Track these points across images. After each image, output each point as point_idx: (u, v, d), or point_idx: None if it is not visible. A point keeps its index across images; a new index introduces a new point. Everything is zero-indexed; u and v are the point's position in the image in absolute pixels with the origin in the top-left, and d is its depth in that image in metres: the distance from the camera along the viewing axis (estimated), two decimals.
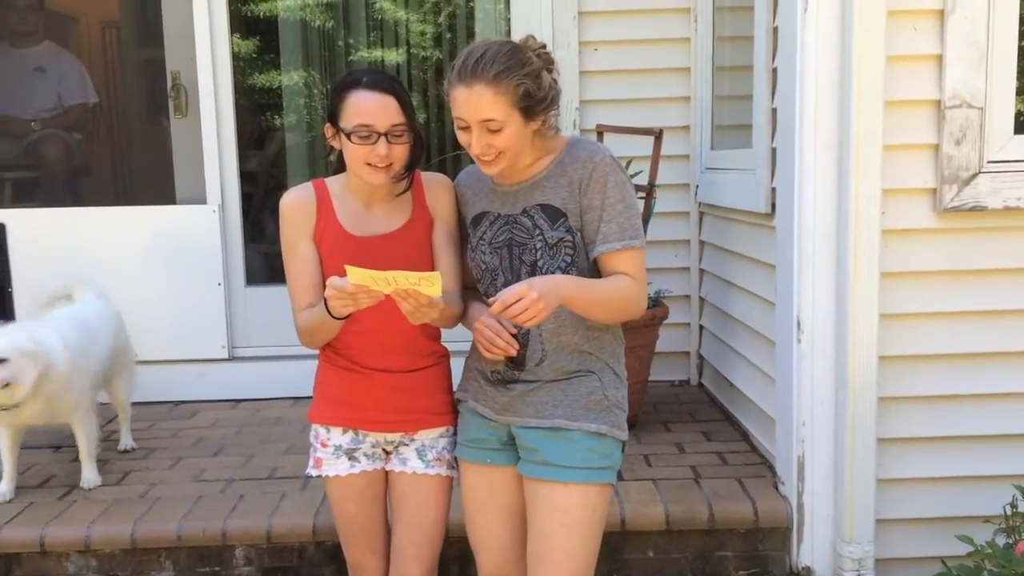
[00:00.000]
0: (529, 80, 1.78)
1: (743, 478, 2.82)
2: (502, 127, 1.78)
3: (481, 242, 1.93)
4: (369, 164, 1.90)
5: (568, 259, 1.85)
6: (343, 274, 1.72)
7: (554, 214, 1.85)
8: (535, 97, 1.79)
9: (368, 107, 1.88)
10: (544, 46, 1.86)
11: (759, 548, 2.64)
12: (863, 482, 2.50)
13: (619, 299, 1.84)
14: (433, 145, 4.11)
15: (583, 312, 1.82)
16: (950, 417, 2.56)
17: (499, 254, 1.90)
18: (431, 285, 1.70)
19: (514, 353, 1.86)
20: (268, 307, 3.87)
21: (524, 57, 1.79)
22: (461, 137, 1.83)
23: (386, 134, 1.88)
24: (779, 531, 2.63)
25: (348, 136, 1.89)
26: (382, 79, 1.92)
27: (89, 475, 2.92)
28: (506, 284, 1.88)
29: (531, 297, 1.67)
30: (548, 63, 1.85)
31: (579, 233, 1.85)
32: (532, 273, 1.86)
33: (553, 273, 1.84)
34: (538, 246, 1.85)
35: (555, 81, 1.85)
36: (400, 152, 1.91)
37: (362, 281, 1.70)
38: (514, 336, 1.85)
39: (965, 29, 2.41)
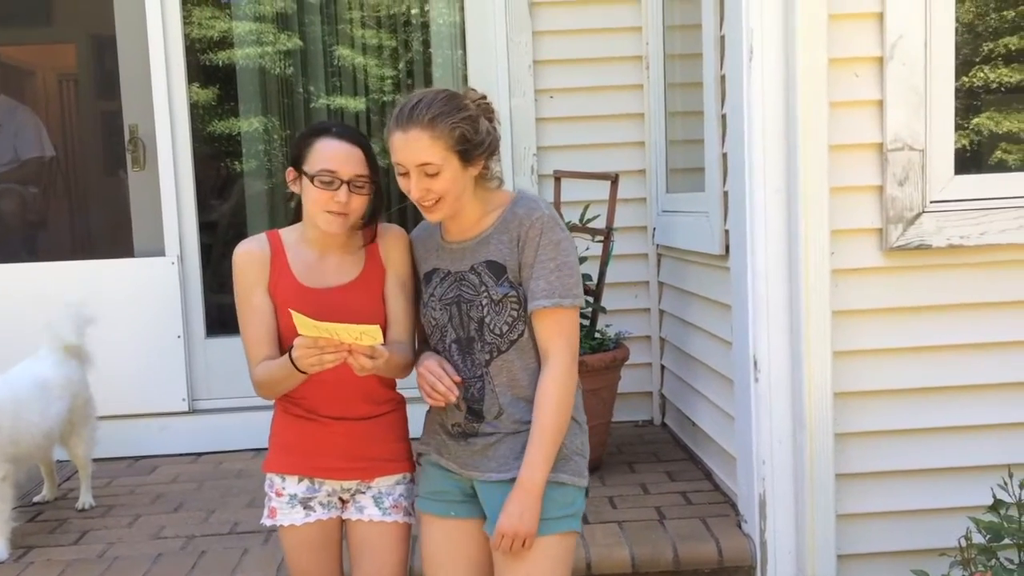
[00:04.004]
0: (465, 124, 1.81)
1: (707, 517, 2.84)
2: (439, 171, 1.81)
3: (432, 299, 1.95)
4: (328, 211, 1.92)
5: (515, 313, 1.87)
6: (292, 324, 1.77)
7: (498, 270, 1.88)
8: (472, 141, 1.82)
9: (335, 154, 1.91)
10: (484, 97, 1.89)
11: None
12: (823, 518, 2.53)
13: (560, 407, 1.84)
14: (394, 193, 4.14)
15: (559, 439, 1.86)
16: (904, 451, 2.60)
17: (448, 311, 1.92)
18: (372, 338, 1.74)
19: (453, 399, 1.88)
20: (229, 358, 3.83)
21: (460, 103, 1.83)
22: (401, 183, 1.86)
23: (348, 182, 1.90)
24: (743, 569, 2.64)
25: (311, 179, 1.91)
26: (351, 131, 1.98)
27: None
28: (456, 340, 1.92)
29: (515, 535, 1.81)
30: (487, 112, 1.88)
31: (522, 287, 1.87)
32: (480, 330, 1.88)
33: (500, 328, 1.87)
34: (484, 303, 1.87)
35: (494, 128, 1.88)
36: (359, 203, 1.93)
37: (305, 329, 1.75)
38: (458, 384, 1.88)
39: (904, 75, 2.50)
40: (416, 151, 1.80)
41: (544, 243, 1.84)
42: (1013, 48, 2.78)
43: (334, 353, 1.78)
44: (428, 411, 2.03)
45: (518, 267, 1.87)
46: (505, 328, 1.87)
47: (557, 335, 1.85)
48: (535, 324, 1.86)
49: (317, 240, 2.00)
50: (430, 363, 1.90)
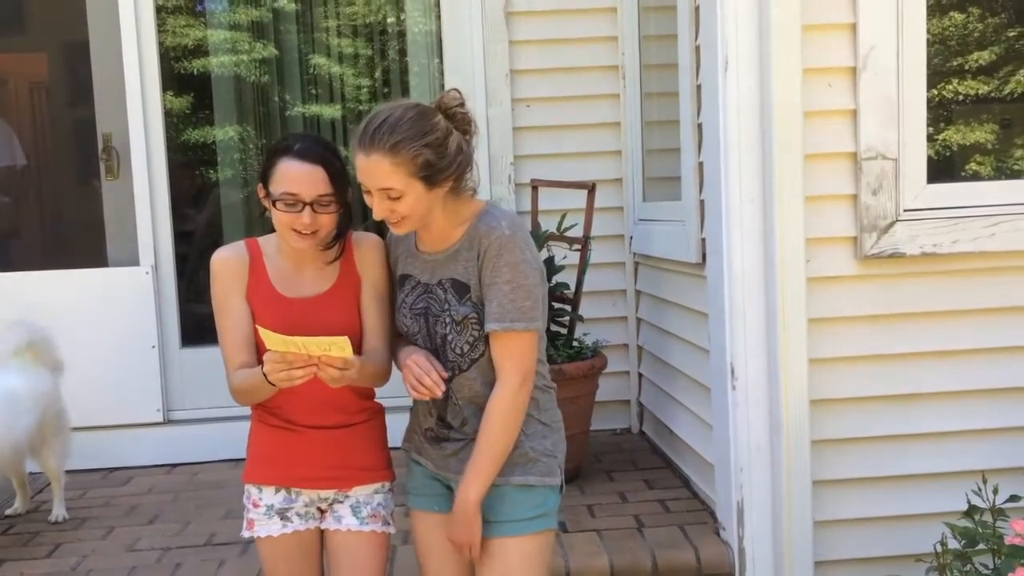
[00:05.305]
0: (430, 150, 1.76)
1: (685, 525, 2.85)
2: (402, 195, 1.78)
3: (403, 305, 1.96)
4: (294, 230, 1.91)
5: (476, 334, 1.85)
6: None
7: (461, 289, 1.87)
8: (436, 166, 1.77)
9: (295, 176, 1.89)
10: (462, 104, 1.83)
11: None
12: (800, 525, 2.54)
13: (500, 430, 1.83)
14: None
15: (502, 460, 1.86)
16: (880, 457, 2.62)
17: (418, 321, 1.92)
18: (341, 349, 1.74)
19: (439, 393, 1.86)
20: (205, 368, 3.81)
21: (428, 124, 1.77)
22: (366, 200, 1.84)
23: (311, 204, 1.89)
24: None
25: (274, 203, 1.92)
26: (313, 148, 1.92)
27: None
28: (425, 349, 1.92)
29: (460, 545, 1.87)
30: (463, 124, 1.83)
31: (483, 307, 1.85)
32: (443, 345, 1.87)
33: (462, 347, 1.86)
34: (447, 321, 1.87)
35: (467, 142, 1.83)
36: (326, 221, 1.92)
37: (274, 344, 1.75)
38: (444, 379, 1.87)
39: (877, 85, 2.53)
40: (377, 176, 1.77)
41: (501, 264, 1.81)
42: (983, 60, 2.82)
43: (303, 369, 1.77)
44: (411, 409, 2.04)
45: (479, 285, 1.85)
46: (466, 348, 1.87)
47: (506, 358, 1.84)
48: (490, 343, 1.86)
49: (291, 253, 2.00)
50: (418, 356, 1.88)
